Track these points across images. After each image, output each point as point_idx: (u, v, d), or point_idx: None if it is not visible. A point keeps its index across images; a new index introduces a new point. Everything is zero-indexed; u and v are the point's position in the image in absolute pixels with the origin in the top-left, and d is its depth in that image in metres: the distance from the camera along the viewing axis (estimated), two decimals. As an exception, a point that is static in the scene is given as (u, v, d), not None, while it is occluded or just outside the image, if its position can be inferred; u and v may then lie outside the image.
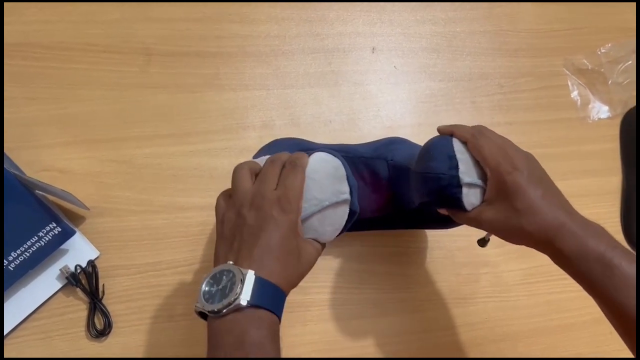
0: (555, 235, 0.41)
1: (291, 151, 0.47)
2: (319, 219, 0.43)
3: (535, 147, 0.70)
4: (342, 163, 0.45)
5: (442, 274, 0.64)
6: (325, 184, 0.43)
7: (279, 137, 0.64)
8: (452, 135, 0.48)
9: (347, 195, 0.44)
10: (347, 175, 0.44)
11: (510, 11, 0.75)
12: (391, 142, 0.59)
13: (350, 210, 0.45)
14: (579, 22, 0.76)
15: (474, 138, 0.45)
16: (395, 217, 0.58)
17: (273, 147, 0.56)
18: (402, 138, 0.61)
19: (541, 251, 0.43)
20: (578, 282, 0.42)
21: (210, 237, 0.61)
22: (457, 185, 0.44)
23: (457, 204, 0.45)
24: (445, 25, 0.73)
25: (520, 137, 0.70)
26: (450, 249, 0.65)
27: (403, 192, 0.55)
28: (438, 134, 0.50)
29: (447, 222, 0.54)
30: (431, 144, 0.49)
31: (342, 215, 0.44)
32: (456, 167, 0.44)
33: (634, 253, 0.40)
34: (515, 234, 0.43)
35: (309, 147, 0.57)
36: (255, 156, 0.53)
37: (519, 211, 0.42)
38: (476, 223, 0.46)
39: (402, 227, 0.61)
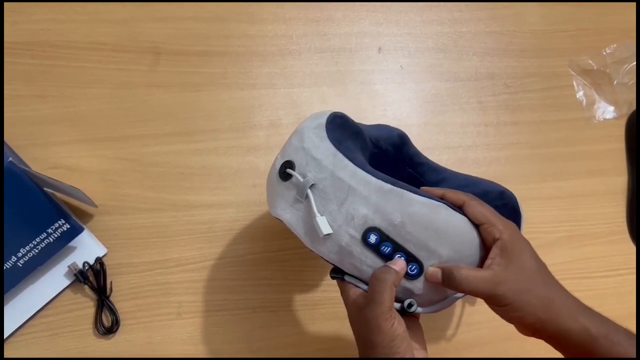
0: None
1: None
2: None
3: (540, 147, 0.72)
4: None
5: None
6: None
7: (285, 136, 0.64)
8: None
9: None
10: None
11: (516, 12, 0.75)
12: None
13: None
14: (584, 23, 0.76)
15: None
16: None
17: None
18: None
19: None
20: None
21: (217, 235, 0.61)
22: None
23: None
24: (451, 25, 0.73)
25: (526, 136, 0.71)
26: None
27: None
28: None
29: None
30: None
31: None
32: None
33: None
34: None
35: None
36: None
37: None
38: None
39: None
